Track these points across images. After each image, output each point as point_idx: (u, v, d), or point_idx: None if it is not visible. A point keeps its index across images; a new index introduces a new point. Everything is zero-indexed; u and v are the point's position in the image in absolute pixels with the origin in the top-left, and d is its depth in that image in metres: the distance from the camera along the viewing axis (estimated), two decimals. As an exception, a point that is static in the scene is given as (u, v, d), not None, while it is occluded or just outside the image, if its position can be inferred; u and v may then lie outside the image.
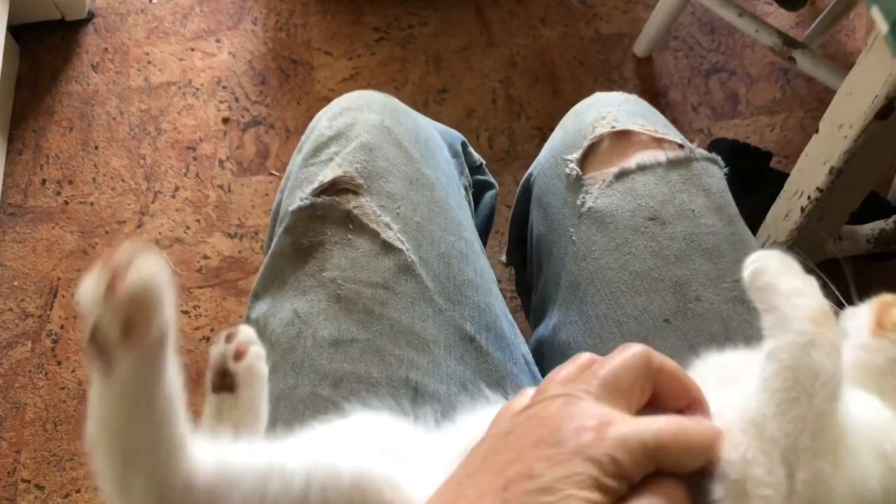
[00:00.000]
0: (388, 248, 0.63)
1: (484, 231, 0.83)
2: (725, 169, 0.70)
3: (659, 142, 0.68)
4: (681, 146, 0.68)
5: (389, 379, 0.58)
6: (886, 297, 0.42)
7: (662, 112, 0.76)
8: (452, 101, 1.48)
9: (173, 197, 1.41)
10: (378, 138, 0.68)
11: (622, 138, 0.68)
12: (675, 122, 1.40)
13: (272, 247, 0.67)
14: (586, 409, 0.37)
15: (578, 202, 0.67)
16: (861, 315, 0.43)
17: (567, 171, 0.69)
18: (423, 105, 1.47)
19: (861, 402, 0.38)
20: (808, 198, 0.99)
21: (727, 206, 0.66)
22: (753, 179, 1.26)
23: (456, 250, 0.65)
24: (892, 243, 1.14)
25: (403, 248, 0.63)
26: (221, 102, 1.50)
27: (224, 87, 1.52)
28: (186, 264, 1.35)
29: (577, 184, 0.68)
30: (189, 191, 1.42)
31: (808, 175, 0.99)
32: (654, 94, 1.45)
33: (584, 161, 0.69)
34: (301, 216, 0.65)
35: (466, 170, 0.78)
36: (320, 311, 0.61)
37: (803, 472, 0.33)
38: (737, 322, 0.59)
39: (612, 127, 0.69)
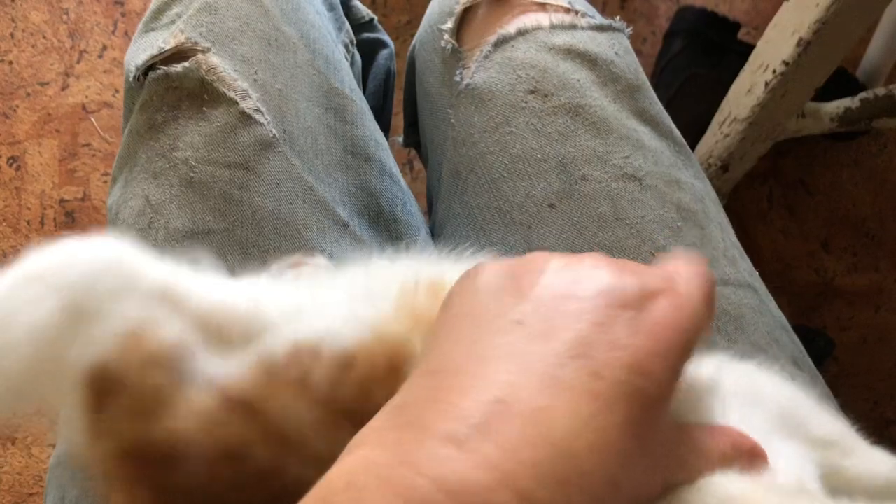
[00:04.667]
0: (246, 120, 0.55)
1: (381, 97, 0.76)
2: (628, 30, 0.63)
3: (543, 6, 0.61)
4: (567, 10, 0.61)
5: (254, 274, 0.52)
6: None
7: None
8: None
9: (100, 57, 1.31)
10: None
11: (501, 3, 0.61)
12: (641, -13, 1.32)
13: (128, 124, 0.59)
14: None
15: (456, 79, 0.61)
16: None
17: (442, 43, 0.62)
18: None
19: None
20: (773, 72, 0.92)
21: (620, 80, 0.59)
22: (719, 51, 1.19)
23: (323, 124, 0.59)
24: (857, 122, 1.09)
25: (264, 122, 0.56)
26: (152, -48, 1.38)
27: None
28: (115, 131, 1.26)
29: (453, 58, 0.61)
30: (118, 50, 1.31)
31: (774, 47, 0.92)
32: (620, -44, 1.35)
33: (460, 31, 0.62)
34: (157, 89, 0.57)
35: (347, 25, 0.70)
36: (172, 197, 0.54)
37: None
38: (627, 201, 0.54)
39: None
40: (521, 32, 0.59)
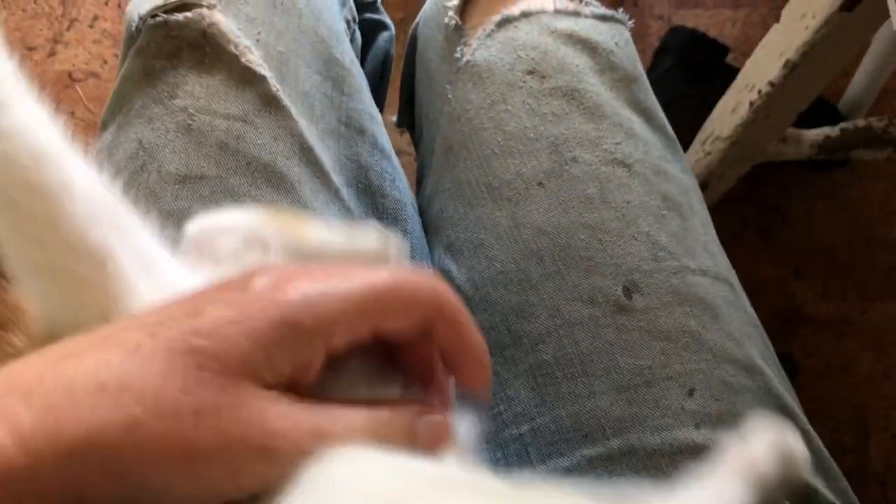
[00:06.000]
0: (249, 75, 0.55)
1: (379, 80, 0.76)
2: (630, 22, 0.64)
3: None
4: None
5: None
6: None
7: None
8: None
9: (91, 27, 1.30)
10: None
11: None
12: (634, 4, 1.34)
13: (122, 70, 0.59)
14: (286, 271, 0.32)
15: (457, 55, 0.61)
16: None
17: (446, 20, 0.63)
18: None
19: None
20: (759, 92, 0.94)
21: (618, 69, 0.60)
22: (707, 73, 1.21)
23: (320, 92, 0.59)
24: (836, 151, 1.11)
25: (267, 76, 0.55)
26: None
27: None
28: (100, 102, 1.25)
29: (456, 35, 0.62)
30: (109, 22, 1.30)
31: (761, 67, 0.94)
32: (617, -26, 1.37)
33: (465, 9, 0.63)
34: (154, 36, 0.56)
35: (351, 2, 0.70)
36: (167, 142, 0.54)
37: None
38: (614, 185, 0.55)
39: None
40: (525, 14, 0.60)
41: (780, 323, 1.20)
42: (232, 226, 0.44)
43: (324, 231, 0.47)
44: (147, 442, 0.27)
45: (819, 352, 1.19)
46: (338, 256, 0.45)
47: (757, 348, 0.54)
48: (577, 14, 0.60)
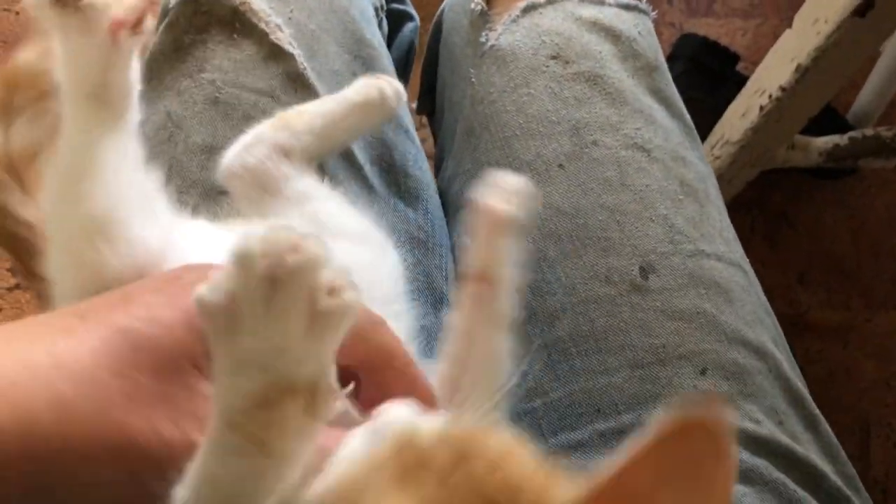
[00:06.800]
0: (277, 52, 0.57)
1: (402, 68, 0.77)
2: (653, 13, 0.65)
3: None
4: None
5: None
6: None
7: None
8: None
9: (109, 18, 1.31)
10: None
11: None
12: (647, 12, 1.35)
13: (152, 45, 0.60)
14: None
15: (482, 40, 0.62)
16: None
17: (472, 6, 0.64)
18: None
19: None
20: (770, 96, 0.95)
21: (640, 57, 0.61)
22: (717, 79, 1.23)
23: (350, 71, 0.60)
24: (844, 160, 1.12)
25: (295, 54, 0.57)
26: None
27: None
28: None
29: (481, 20, 0.63)
30: (127, 14, 1.32)
31: (772, 72, 0.95)
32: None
33: None
34: (184, 11, 0.58)
35: None
36: (195, 114, 0.56)
37: None
38: (634, 169, 0.56)
39: None
40: (550, 1, 0.61)
41: (784, 329, 1.21)
42: (255, 140, 0.48)
43: (318, 105, 0.52)
44: (74, 422, 0.26)
45: (823, 358, 1.20)
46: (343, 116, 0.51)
47: (768, 333, 0.55)
48: (601, 2, 0.62)
